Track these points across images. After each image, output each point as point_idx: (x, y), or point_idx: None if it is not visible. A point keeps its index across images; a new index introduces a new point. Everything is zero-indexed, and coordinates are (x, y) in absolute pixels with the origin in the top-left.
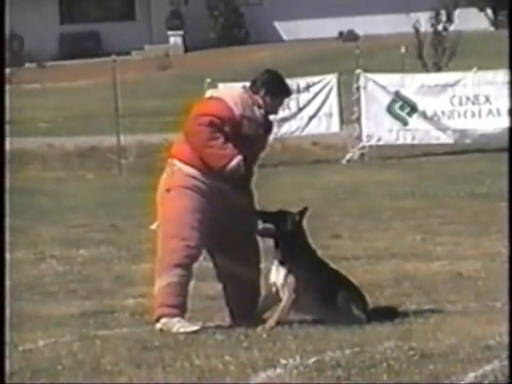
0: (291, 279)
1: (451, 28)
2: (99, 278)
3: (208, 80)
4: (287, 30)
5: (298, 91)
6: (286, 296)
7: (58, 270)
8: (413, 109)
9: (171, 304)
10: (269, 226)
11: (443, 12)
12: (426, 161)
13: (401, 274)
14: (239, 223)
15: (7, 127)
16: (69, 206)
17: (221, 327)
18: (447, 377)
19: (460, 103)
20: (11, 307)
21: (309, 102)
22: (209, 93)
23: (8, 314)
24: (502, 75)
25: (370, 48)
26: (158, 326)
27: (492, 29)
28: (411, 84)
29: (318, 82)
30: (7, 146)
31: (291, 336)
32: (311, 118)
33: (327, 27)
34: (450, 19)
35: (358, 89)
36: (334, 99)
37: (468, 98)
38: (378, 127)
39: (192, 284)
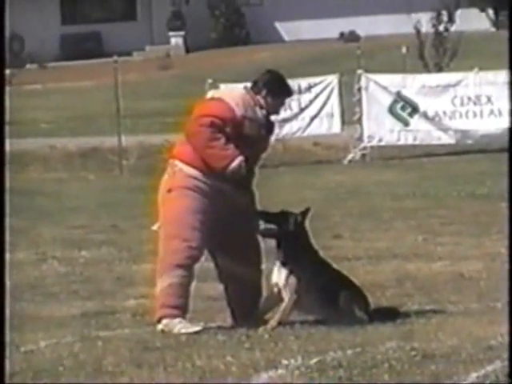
0: (293, 280)
1: (452, 28)
2: (100, 279)
3: (209, 80)
4: (288, 30)
5: (300, 92)
6: (287, 297)
7: (59, 270)
8: (414, 109)
9: (173, 305)
10: (271, 226)
11: (444, 12)
12: (427, 161)
13: (402, 275)
14: (240, 224)
15: (9, 128)
16: (70, 207)
17: (222, 328)
18: (449, 377)
19: (461, 104)
20: (13, 308)
21: (310, 102)
22: (210, 93)
23: (9, 314)
24: (503, 76)
25: (372, 48)
26: (160, 326)
27: (493, 29)
28: (412, 84)
29: (320, 83)
30: (8, 147)
31: (293, 336)
32: (312, 118)
33: (328, 28)
34: (451, 20)
35: (359, 89)
36: (335, 100)
37: (469, 99)
38: (380, 128)
39: (193, 285)
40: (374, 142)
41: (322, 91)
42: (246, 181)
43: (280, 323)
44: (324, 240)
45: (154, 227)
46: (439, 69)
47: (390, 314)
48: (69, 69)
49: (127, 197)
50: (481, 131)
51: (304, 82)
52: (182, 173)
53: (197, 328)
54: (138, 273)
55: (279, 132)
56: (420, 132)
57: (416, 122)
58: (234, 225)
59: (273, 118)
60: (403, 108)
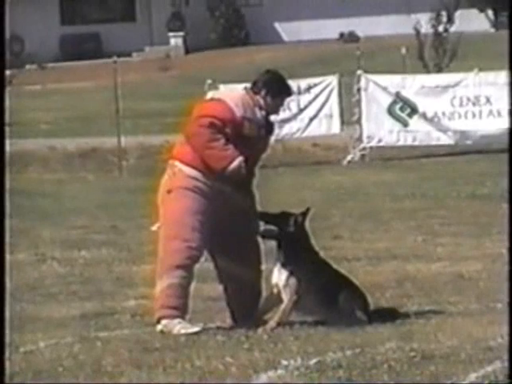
0: (293, 281)
1: (452, 29)
2: (100, 280)
3: (209, 81)
4: (288, 31)
5: (299, 92)
6: (287, 297)
7: (58, 271)
8: (413, 110)
9: (172, 305)
10: (271, 227)
11: (444, 13)
12: (426, 162)
13: (402, 275)
14: (240, 224)
15: (8, 129)
16: (70, 208)
17: (222, 328)
18: (448, 378)
19: (461, 104)
20: (12, 309)
21: (309, 103)
22: (210, 94)
23: (9, 315)
24: (502, 76)
25: (371, 49)
26: (159, 327)
27: (493, 30)
28: (412, 85)
29: (319, 84)
30: (8, 147)
31: (292, 337)
32: (312, 119)
33: (328, 28)
34: (450, 20)
35: (358, 90)
36: (334, 100)
37: (469, 99)
38: (379, 128)
39: (193, 285)
40: (374, 143)
41: (321, 92)
42: (246, 181)
43: (279, 324)
44: (323, 241)
45: (154, 228)
46: (439, 69)
47: (389, 315)
48: (68, 69)
49: (127, 197)
50: (480, 132)
51: (303, 83)
52: (182, 173)
53: (196, 329)
54: (137, 273)
55: (278, 133)
56: (419, 133)
57: (415, 122)
58: (233, 225)
59: (272, 118)
60: (402, 109)
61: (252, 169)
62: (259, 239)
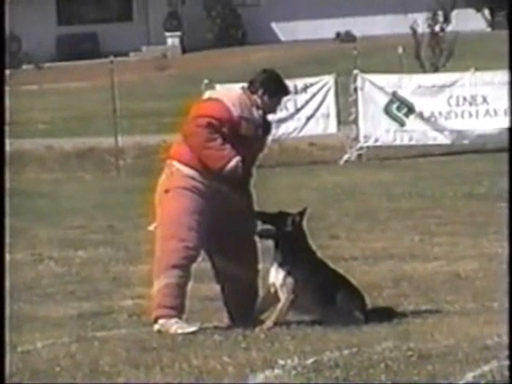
0: (290, 280)
1: (448, 29)
2: (97, 279)
3: (206, 81)
4: (284, 30)
5: (296, 92)
6: (284, 297)
7: (56, 271)
8: (410, 109)
9: (169, 305)
10: (269, 227)
11: (440, 13)
12: (423, 161)
13: (398, 275)
14: (237, 224)
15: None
16: (67, 208)
17: (219, 328)
18: (445, 377)
19: (457, 104)
20: (9, 308)
21: (306, 102)
22: (207, 94)
23: (6, 315)
24: (499, 76)
25: (368, 49)
26: (156, 327)
27: (489, 29)
28: (408, 85)
29: (316, 83)
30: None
31: (289, 337)
32: (309, 118)
33: (324, 28)
34: (447, 20)
35: (355, 90)
36: (331, 100)
37: (465, 99)
38: (376, 128)
39: (190, 285)
40: (370, 143)
41: (318, 91)
42: (243, 181)
43: (276, 323)
44: (320, 240)
45: (151, 227)
46: (435, 69)
47: (386, 314)
48: (65, 69)
49: (124, 197)
50: (477, 131)
51: (300, 83)
52: (179, 173)
53: (193, 328)
54: (134, 273)
55: (275, 132)
56: (416, 132)
57: (412, 122)
58: (231, 225)
59: (269, 117)
60: (399, 108)
61: (249, 168)
62: (256, 239)
